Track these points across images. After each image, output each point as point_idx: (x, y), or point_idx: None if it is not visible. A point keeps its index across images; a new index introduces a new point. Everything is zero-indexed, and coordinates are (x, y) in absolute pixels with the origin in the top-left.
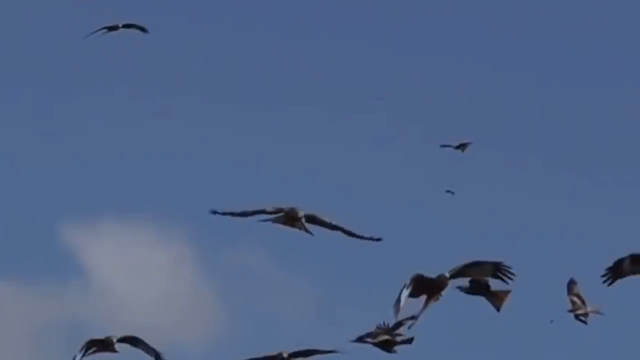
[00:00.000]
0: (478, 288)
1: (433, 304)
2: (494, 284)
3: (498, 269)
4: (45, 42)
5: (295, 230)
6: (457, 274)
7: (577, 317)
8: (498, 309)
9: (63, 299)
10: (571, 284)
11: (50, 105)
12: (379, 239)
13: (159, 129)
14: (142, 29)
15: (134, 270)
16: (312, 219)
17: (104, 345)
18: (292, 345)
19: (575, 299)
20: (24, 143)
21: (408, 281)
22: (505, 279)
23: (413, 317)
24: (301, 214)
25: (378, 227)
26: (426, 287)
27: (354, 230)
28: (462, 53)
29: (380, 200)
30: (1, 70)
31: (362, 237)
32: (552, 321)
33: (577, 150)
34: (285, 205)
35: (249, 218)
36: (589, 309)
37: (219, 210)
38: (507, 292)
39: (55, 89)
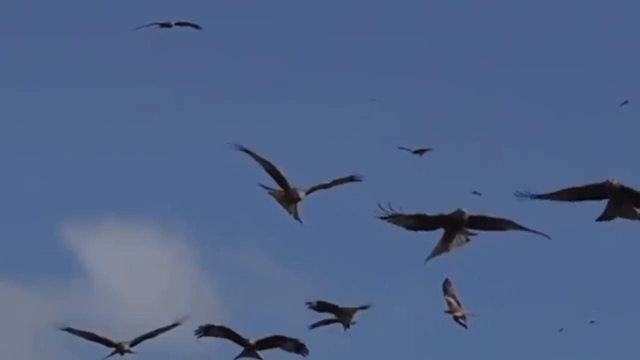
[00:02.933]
0: (326, 307)
1: (457, 246)
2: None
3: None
4: (44, 40)
5: (295, 225)
6: (477, 220)
7: (456, 319)
8: (347, 326)
9: (63, 299)
10: (446, 284)
11: (50, 104)
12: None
13: (159, 128)
14: (196, 26)
15: (134, 270)
16: (313, 190)
17: (118, 350)
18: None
19: (452, 299)
20: (24, 143)
21: (409, 213)
22: None
23: (364, 307)
24: (302, 194)
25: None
26: (443, 224)
27: (343, 176)
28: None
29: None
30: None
31: (342, 181)
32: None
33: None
34: (293, 184)
35: (263, 165)
36: (465, 311)
37: (244, 147)
38: (355, 309)
39: (55, 88)
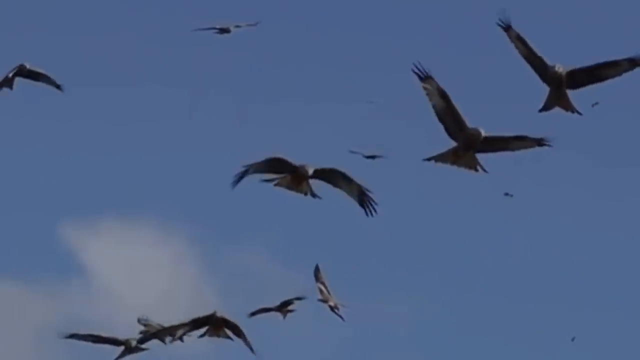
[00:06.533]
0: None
1: (465, 166)
2: None
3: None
4: (44, 39)
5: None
6: (493, 140)
7: (331, 309)
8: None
9: (63, 299)
10: (317, 271)
11: (50, 104)
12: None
13: (159, 127)
14: (252, 25)
15: (134, 270)
16: (322, 172)
17: (127, 348)
18: (292, 344)
19: (322, 287)
20: (24, 142)
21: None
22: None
23: (299, 298)
24: (311, 171)
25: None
26: (457, 128)
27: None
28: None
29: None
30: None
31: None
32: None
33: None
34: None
35: (262, 171)
36: (336, 301)
37: (239, 176)
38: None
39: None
